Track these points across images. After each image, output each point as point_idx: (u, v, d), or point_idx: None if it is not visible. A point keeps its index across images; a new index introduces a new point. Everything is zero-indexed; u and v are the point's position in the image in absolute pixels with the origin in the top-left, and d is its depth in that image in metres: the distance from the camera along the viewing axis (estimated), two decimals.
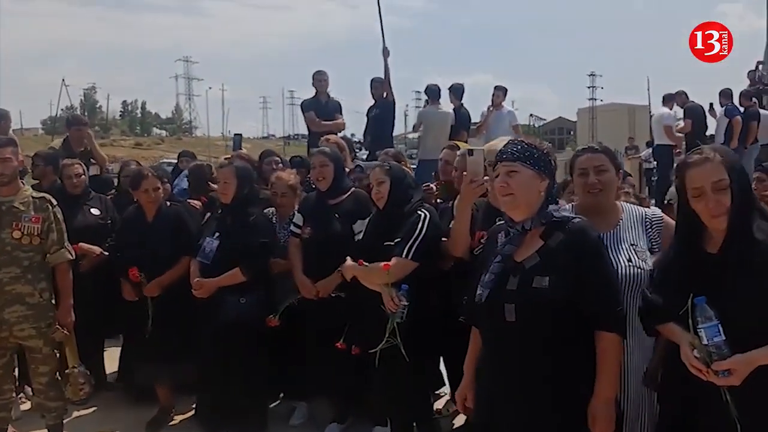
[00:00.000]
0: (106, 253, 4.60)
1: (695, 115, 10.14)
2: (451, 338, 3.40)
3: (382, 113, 7.96)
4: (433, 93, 8.44)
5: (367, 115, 8.24)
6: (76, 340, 3.93)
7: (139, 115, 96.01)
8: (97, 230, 4.74)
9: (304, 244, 4.10)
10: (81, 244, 4.46)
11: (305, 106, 7.66)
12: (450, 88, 8.76)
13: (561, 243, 2.17)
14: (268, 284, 4.18)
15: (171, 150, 49.88)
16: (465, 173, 3.15)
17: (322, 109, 7.60)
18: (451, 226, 3.53)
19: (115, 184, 6.03)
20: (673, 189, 3.74)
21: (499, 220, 3.09)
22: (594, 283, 2.13)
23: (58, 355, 3.86)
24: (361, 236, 3.94)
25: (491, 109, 9.04)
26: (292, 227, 4.22)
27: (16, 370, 4.10)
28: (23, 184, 3.90)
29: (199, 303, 4.06)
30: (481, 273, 2.31)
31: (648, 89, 47.89)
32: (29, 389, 4.41)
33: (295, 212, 4.33)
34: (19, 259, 3.67)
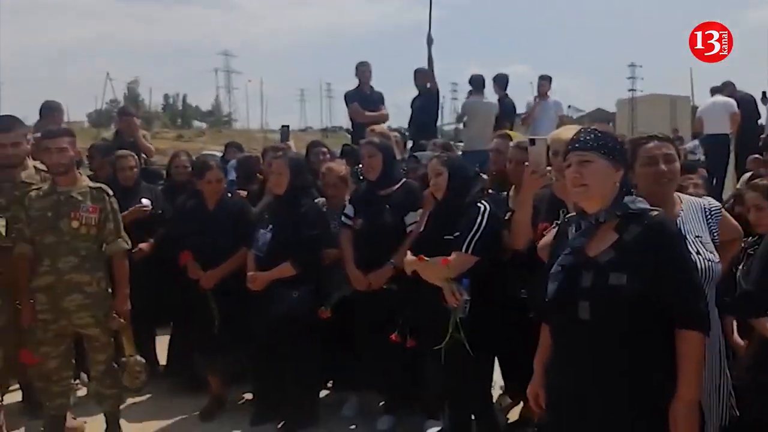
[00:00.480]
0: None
1: (747, 104, 9.80)
2: (507, 331, 3.37)
3: (425, 103, 7.92)
4: (477, 83, 8.35)
5: (411, 105, 8.19)
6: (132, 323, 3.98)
7: (180, 107, 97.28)
8: (149, 220, 4.80)
9: (356, 236, 4.08)
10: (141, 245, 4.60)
11: (349, 97, 7.63)
12: (494, 79, 8.67)
13: (638, 237, 2.07)
14: (319, 276, 4.17)
15: (212, 142, 50.35)
16: (526, 164, 3.09)
17: (365, 100, 7.57)
18: (507, 217, 3.50)
19: (164, 174, 6.12)
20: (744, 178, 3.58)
21: (564, 212, 3.07)
22: (675, 279, 2.03)
23: (114, 343, 3.92)
24: (412, 228, 3.92)
25: (537, 99, 8.88)
26: (343, 218, 4.19)
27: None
28: (80, 174, 3.95)
29: (254, 295, 4.07)
30: (550, 268, 2.24)
31: (691, 80, 46.71)
32: (85, 375, 4.52)
33: (347, 203, 4.32)
34: (78, 249, 3.72)
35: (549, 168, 3.07)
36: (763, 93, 10.35)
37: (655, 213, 2.12)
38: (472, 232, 3.28)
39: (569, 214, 2.45)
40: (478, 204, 3.38)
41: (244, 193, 5.12)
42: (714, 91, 10.32)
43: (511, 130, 8.69)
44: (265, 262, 4.05)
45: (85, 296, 3.73)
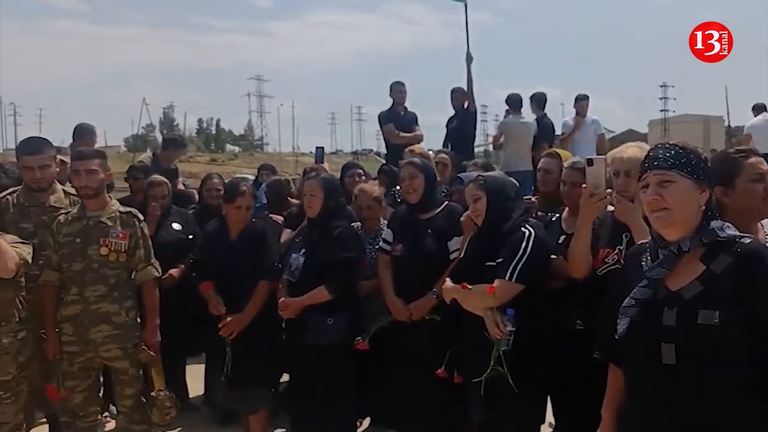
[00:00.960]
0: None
1: None
2: (559, 367, 3.09)
3: (462, 124, 7.70)
4: (514, 102, 8.11)
5: (447, 126, 7.98)
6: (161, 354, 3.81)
7: (214, 132, 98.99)
8: (179, 246, 4.66)
9: (395, 262, 3.85)
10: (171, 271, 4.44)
11: (383, 118, 7.45)
12: (532, 97, 8.40)
13: (729, 268, 1.80)
14: (357, 302, 3.94)
15: (244, 165, 51.09)
16: (583, 186, 2.86)
17: (400, 120, 7.39)
18: (561, 241, 3.25)
19: (196, 198, 5.99)
20: None
21: (626, 237, 2.82)
22: None
23: (143, 377, 3.74)
24: (456, 255, 3.68)
25: (575, 118, 8.57)
26: (381, 243, 3.97)
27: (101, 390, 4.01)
28: (110, 198, 3.81)
29: (286, 322, 3.87)
30: (619, 301, 1.97)
31: (726, 99, 45.77)
32: (114, 408, 4.34)
33: (384, 227, 4.10)
34: (106, 277, 3.57)
35: (609, 190, 2.84)
36: (754, 105, 9.98)
37: (748, 240, 1.85)
38: (517, 259, 3.03)
39: (641, 241, 2.20)
40: (523, 228, 3.13)
41: (279, 218, 4.95)
42: (756, 108, 9.91)
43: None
44: (297, 288, 3.83)
45: (113, 327, 3.57)
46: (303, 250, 3.89)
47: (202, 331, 4.44)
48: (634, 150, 2.87)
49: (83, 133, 6.43)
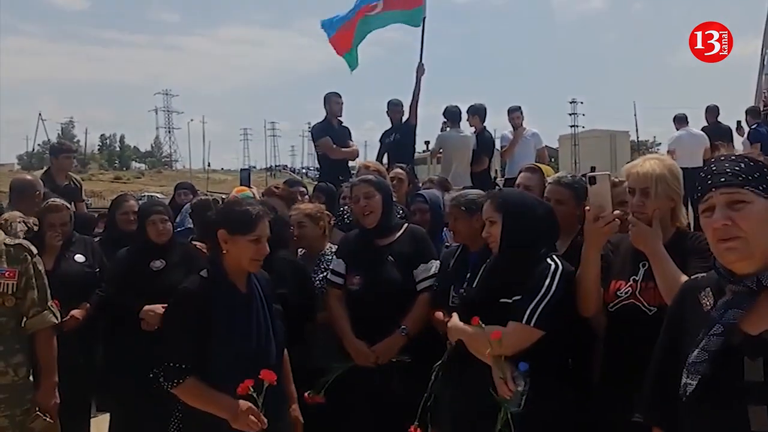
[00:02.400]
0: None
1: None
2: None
3: (402, 138, 7.21)
4: (453, 115, 7.73)
5: (381, 140, 7.49)
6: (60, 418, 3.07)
7: (118, 148, 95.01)
8: (83, 280, 3.91)
9: (352, 298, 3.27)
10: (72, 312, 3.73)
11: (318, 131, 6.90)
12: (469, 110, 8.03)
13: None
14: (304, 343, 3.35)
15: (152, 183, 49.00)
16: (587, 208, 2.41)
17: (335, 134, 6.86)
18: None
19: (99, 221, 5.20)
20: None
21: (644, 265, 2.36)
22: None
23: None
24: (425, 285, 3.16)
25: (513, 132, 8.27)
26: (330, 276, 3.39)
27: None
28: None
29: None
30: (670, 350, 1.63)
31: (635, 114, 48.18)
32: None
33: (331, 255, 3.54)
34: None
35: (617, 212, 2.39)
36: (738, 123, 10.10)
37: None
38: (538, 298, 2.43)
39: (695, 276, 1.74)
40: (548, 260, 2.52)
41: (202, 245, 4.25)
42: (679, 121, 9.88)
43: (489, 165, 8.17)
44: None
45: None
46: None
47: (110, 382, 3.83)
48: (652, 164, 2.41)
49: None
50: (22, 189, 4.67)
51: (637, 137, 35.93)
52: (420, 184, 5.24)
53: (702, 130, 9.49)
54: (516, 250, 2.54)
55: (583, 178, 3.02)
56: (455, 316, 2.67)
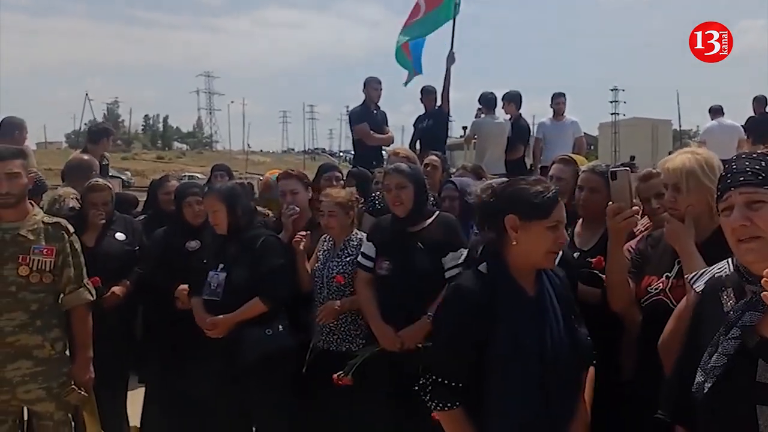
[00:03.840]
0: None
1: None
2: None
3: (435, 125, 7.19)
4: (488, 101, 7.65)
5: (415, 125, 7.47)
6: (95, 390, 3.19)
7: (161, 129, 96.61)
8: (123, 259, 3.98)
9: (381, 282, 3.29)
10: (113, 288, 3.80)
11: (355, 116, 6.92)
12: (504, 96, 7.94)
13: None
14: (293, 309, 3.59)
15: (192, 163, 49.67)
16: (610, 203, 2.42)
17: (372, 120, 6.87)
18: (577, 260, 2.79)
19: (139, 201, 5.31)
20: None
21: (679, 263, 2.31)
22: None
23: (73, 421, 3.07)
24: (453, 273, 3.14)
25: (552, 119, 8.15)
26: (361, 259, 3.40)
27: None
28: (33, 205, 3.13)
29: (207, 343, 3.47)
30: (693, 348, 1.61)
31: (678, 102, 46.98)
32: None
33: (357, 242, 3.55)
34: (26, 302, 2.91)
35: (636, 208, 2.43)
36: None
37: None
38: None
39: (718, 274, 1.71)
40: None
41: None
42: (714, 112, 9.58)
43: (525, 153, 8.07)
44: (221, 306, 3.47)
45: (34, 363, 2.93)
46: (221, 266, 3.54)
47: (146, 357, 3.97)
48: (684, 158, 2.36)
49: (11, 127, 5.63)
50: (79, 168, 4.79)
51: (680, 126, 35.05)
52: (452, 171, 5.20)
53: (747, 121, 9.20)
54: None
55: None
56: None
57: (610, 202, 2.43)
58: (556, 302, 2.08)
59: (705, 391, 1.49)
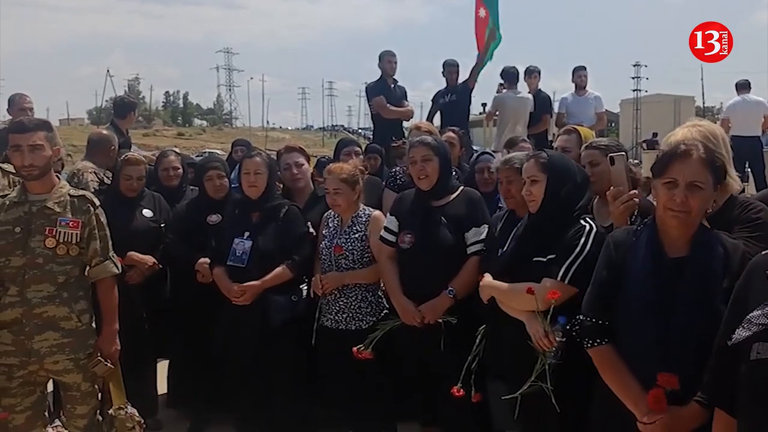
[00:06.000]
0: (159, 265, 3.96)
1: None
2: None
3: (458, 100, 7.10)
4: (510, 76, 7.56)
5: (433, 100, 7.39)
6: (123, 366, 3.20)
7: (181, 105, 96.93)
8: (150, 236, 4.00)
9: (403, 256, 3.28)
10: (131, 253, 3.80)
11: (372, 90, 6.85)
12: (526, 71, 7.83)
13: None
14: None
15: (212, 140, 49.91)
16: (612, 188, 2.53)
17: (390, 94, 6.80)
18: None
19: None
20: None
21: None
22: None
23: (99, 392, 3.12)
24: (475, 249, 3.14)
25: (574, 94, 8.01)
26: (383, 233, 3.38)
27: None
28: (59, 178, 3.15)
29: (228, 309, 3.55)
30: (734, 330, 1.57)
31: (702, 79, 46.03)
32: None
33: (365, 217, 3.54)
34: (53, 274, 2.93)
35: (632, 192, 2.48)
36: None
37: None
38: (573, 256, 2.52)
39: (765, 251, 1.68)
40: (582, 221, 2.61)
41: None
42: (741, 87, 9.34)
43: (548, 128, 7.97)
44: (247, 273, 3.53)
45: (62, 334, 2.94)
46: (247, 234, 3.57)
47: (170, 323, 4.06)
48: (685, 131, 2.42)
49: (13, 103, 5.63)
50: (99, 142, 4.80)
51: (703, 102, 34.43)
52: (475, 148, 5.17)
53: None
54: (557, 209, 2.62)
55: (619, 143, 3.15)
56: (488, 275, 2.79)
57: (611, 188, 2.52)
58: (704, 273, 1.98)
59: (754, 370, 1.47)
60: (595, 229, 2.57)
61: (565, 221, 2.61)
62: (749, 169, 8.78)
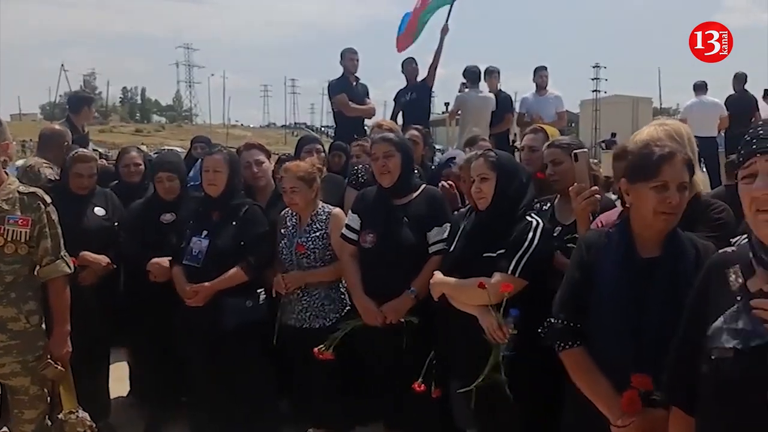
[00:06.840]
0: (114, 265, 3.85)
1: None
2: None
3: (418, 98, 7.11)
4: (473, 75, 7.61)
5: (395, 99, 7.38)
6: (75, 368, 3.10)
7: (139, 101, 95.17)
8: (101, 235, 3.86)
9: (365, 256, 3.25)
10: (84, 253, 3.68)
11: (334, 88, 6.83)
12: (486, 71, 7.88)
13: None
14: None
15: (171, 137, 49.11)
16: (575, 185, 2.57)
17: (351, 91, 6.77)
18: (555, 234, 2.81)
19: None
20: None
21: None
22: None
23: (49, 396, 3.01)
24: (437, 248, 3.12)
25: (535, 94, 8.10)
26: (345, 231, 3.34)
27: None
28: (7, 175, 3.03)
29: (185, 311, 3.46)
30: (695, 330, 1.53)
31: (659, 80, 47.18)
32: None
33: (325, 215, 3.50)
34: (1, 274, 2.82)
35: (595, 188, 2.54)
36: (765, 91, 9.77)
37: None
38: (522, 251, 2.64)
39: (723, 250, 1.67)
40: (528, 217, 2.75)
41: None
42: (698, 89, 9.57)
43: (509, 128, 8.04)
44: (203, 273, 3.44)
45: (10, 336, 2.84)
46: (205, 233, 3.49)
47: (126, 321, 3.97)
48: (651, 130, 2.44)
49: None
50: (51, 138, 4.67)
51: (660, 104, 35.29)
52: (436, 147, 5.17)
53: (728, 98, 9.24)
54: (506, 206, 2.72)
55: (580, 141, 3.28)
56: (437, 272, 2.86)
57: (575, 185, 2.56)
58: (676, 273, 1.97)
59: (712, 372, 1.42)
60: (541, 224, 2.72)
61: (513, 218, 2.72)
62: (705, 169, 9.01)
